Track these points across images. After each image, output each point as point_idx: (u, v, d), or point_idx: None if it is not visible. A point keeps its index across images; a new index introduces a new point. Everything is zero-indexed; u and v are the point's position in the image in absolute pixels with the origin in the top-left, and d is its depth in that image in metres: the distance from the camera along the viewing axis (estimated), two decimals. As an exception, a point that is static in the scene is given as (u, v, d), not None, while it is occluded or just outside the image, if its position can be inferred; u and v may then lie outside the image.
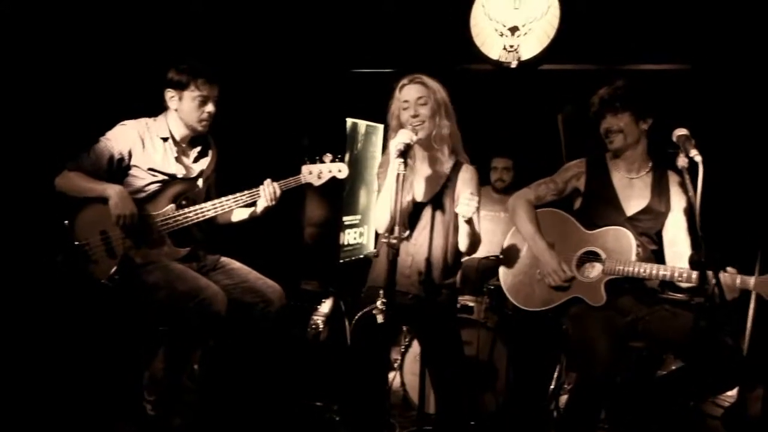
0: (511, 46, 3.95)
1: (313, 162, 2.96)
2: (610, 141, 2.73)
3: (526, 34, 3.92)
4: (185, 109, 2.82)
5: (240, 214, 3.04)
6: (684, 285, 2.54)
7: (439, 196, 2.66)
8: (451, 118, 2.65)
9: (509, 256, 2.96)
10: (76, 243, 2.71)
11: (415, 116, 2.56)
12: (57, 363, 3.01)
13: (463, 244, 2.62)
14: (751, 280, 2.39)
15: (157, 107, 2.89)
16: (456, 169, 2.68)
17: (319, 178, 2.98)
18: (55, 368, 3.00)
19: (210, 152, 3.02)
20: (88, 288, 2.77)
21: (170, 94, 2.82)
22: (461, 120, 2.69)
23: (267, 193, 2.86)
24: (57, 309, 3.01)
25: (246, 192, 2.89)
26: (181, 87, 2.79)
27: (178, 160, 2.88)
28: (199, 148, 2.98)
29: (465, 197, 2.41)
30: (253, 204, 2.92)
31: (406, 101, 2.59)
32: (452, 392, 2.65)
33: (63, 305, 2.99)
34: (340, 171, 2.97)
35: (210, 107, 2.84)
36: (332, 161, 2.97)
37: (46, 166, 2.80)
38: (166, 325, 2.80)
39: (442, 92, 2.63)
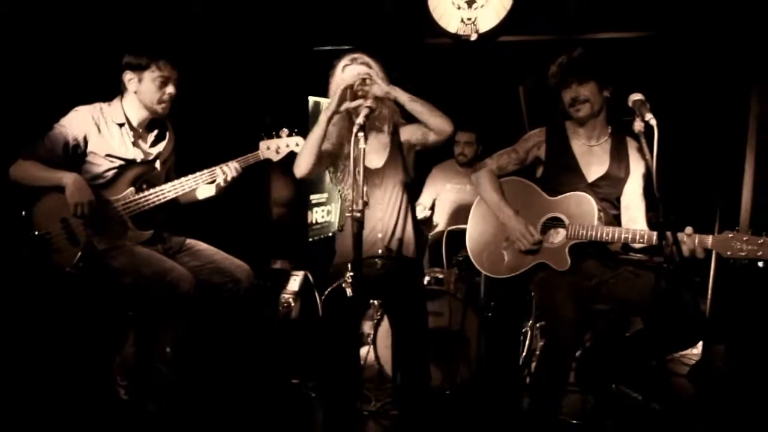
0: (469, 19, 3.96)
1: (270, 137, 2.97)
2: (577, 110, 2.74)
3: (483, 6, 3.92)
4: (145, 90, 2.77)
5: (206, 191, 3.02)
6: (644, 246, 2.60)
7: (390, 161, 2.69)
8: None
9: (475, 225, 2.99)
10: (37, 233, 2.67)
11: (365, 97, 2.52)
12: (27, 352, 2.98)
13: (430, 123, 2.58)
14: (709, 239, 2.44)
15: (111, 92, 2.83)
16: (396, 131, 2.72)
17: (278, 153, 2.99)
18: (25, 358, 2.97)
19: (167, 134, 2.98)
20: (52, 277, 2.73)
21: (129, 77, 2.76)
22: (422, 95, 2.69)
23: (225, 171, 2.88)
24: (23, 300, 2.96)
25: (205, 171, 2.89)
26: (140, 68, 2.75)
27: (135, 144, 2.85)
28: (156, 132, 2.94)
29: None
30: (214, 181, 2.92)
31: (350, 85, 2.54)
32: (415, 363, 2.68)
33: (29, 296, 2.94)
34: (297, 145, 2.98)
35: (170, 88, 2.80)
36: (289, 135, 2.99)
37: (-1, 155, 2.74)
38: (134, 309, 2.79)
39: (380, 70, 2.62)
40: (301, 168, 2.63)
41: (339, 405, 2.68)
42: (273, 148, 2.99)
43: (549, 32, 3.94)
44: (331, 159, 2.73)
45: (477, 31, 3.95)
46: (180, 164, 3.04)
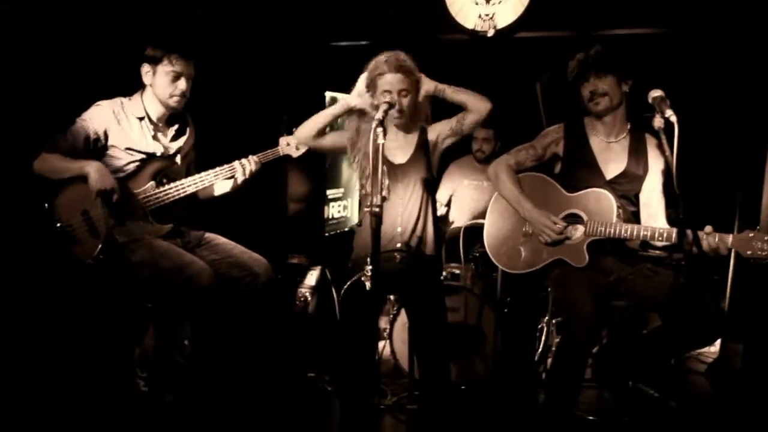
0: (487, 15, 3.95)
1: (290, 134, 2.97)
2: (596, 103, 2.72)
3: (500, 2, 3.91)
4: (158, 84, 2.79)
5: (222, 188, 3.04)
6: (663, 244, 2.59)
7: (414, 158, 2.70)
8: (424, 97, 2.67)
9: (492, 221, 3.00)
10: (59, 225, 2.70)
11: (399, 110, 2.56)
12: (47, 344, 3.02)
13: (470, 105, 2.66)
14: (729, 238, 2.43)
15: (133, 87, 2.86)
16: (424, 130, 2.75)
17: (297, 149, 3.02)
18: (45, 349, 3.01)
19: (188, 130, 3.01)
20: (73, 269, 2.76)
21: (146, 69, 2.79)
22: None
23: (244, 165, 2.91)
24: (43, 292, 3.00)
25: (225, 166, 2.91)
26: (155, 61, 2.77)
27: (155, 138, 2.87)
28: (176, 127, 2.96)
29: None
30: (233, 177, 2.94)
31: (387, 91, 2.56)
32: (435, 358, 2.69)
33: (49, 288, 2.98)
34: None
35: (182, 84, 2.80)
36: None
37: (23, 150, 2.78)
38: (153, 302, 2.82)
39: (415, 67, 2.61)
40: (302, 132, 2.74)
41: (355, 399, 2.70)
42: (293, 144, 3.01)
43: (566, 28, 3.92)
44: (338, 151, 2.82)
45: (494, 27, 3.95)
46: (200, 160, 3.07)
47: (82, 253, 2.71)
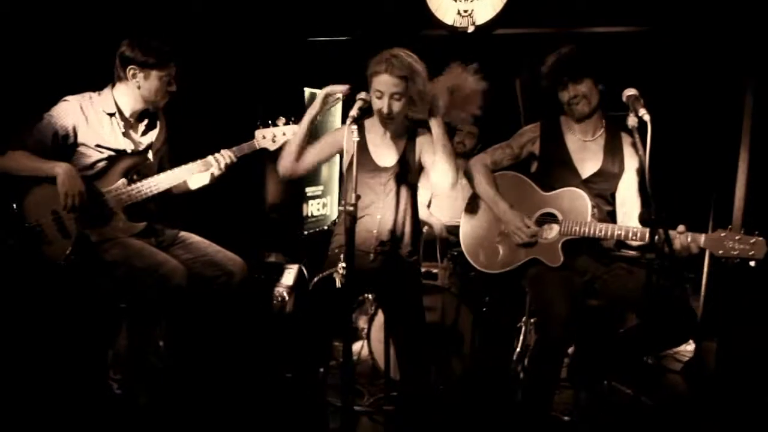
0: (465, 11, 3.94)
1: (266, 126, 2.93)
2: (576, 105, 2.72)
3: (479, -2, 3.91)
4: (151, 87, 2.75)
5: (198, 181, 2.97)
6: (636, 243, 2.59)
7: (400, 161, 2.68)
8: (426, 96, 2.59)
9: (468, 221, 2.99)
10: (27, 225, 2.66)
11: (389, 113, 2.52)
12: (18, 346, 2.97)
13: (437, 170, 2.60)
14: (701, 237, 2.43)
15: (101, 81, 2.80)
16: (413, 135, 2.71)
17: (274, 141, 2.94)
18: (16, 352, 2.96)
19: (158, 124, 2.96)
20: (44, 269, 2.72)
21: (133, 71, 2.72)
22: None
23: (218, 159, 2.86)
24: (14, 293, 2.95)
25: (199, 161, 2.87)
26: (149, 67, 2.71)
27: (125, 134, 2.82)
28: (146, 121, 2.91)
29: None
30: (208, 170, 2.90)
31: (380, 91, 2.51)
32: (415, 359, 2.68)
33: (19, 289, 2.93)
34: (294, 134, 2.94)
35: (173, 86, 2.80)
36: (286, 124, 2.94)
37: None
38: (127, 302, 2.78)
39: (420, 72, 2.53)
40: (282, 166, 2.69)
41: (314, 396, 2.69)
42: (269, 137, 2.94)
43: (545, 25, 3.92)
44: (330, 156, 2.79)
45: (474, 23, 3.94)
46: (174, 155, 3.02)
47: (53, 253, 2.67)
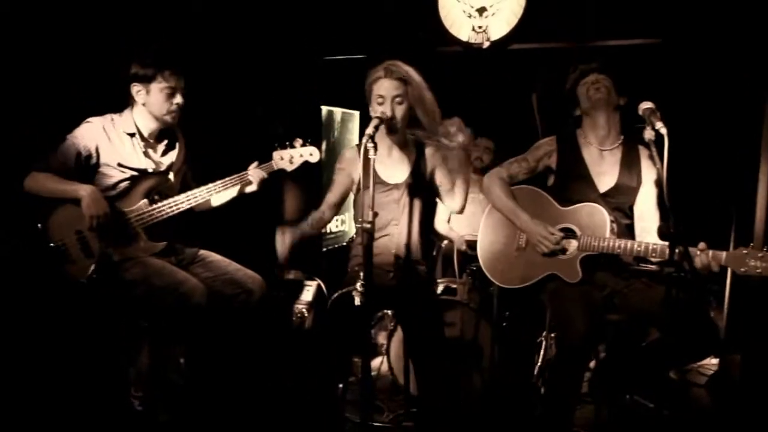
0: (480, 27, 3.96)
1: (284, 148, 2.97)
2: (597, 89, 2.72)
3: (494, 14, 3.93)
4: (154, 102, 2.79)
5: (220, 198, 3.03)
6: (657, 259, 2.57)
7: (409, 179, 2.69)
8: (427, 105, 2.62)
9: (486, 235, 2.99)
10: (52, 244, 2.70)
11: (392, 117, 2.54)
12: (42, 364, 3.01)
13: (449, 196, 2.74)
14: (723, 255, 2.40)
15: (123, 102, 2.85)
16: (421, 150, 2.72)
17: (291, 163, 2.99)
18: (40, 369, 3.00)
19: (177, 144, 3.00)
20: (67, 289, 2.76)
21: (137, 89, 2.78)
22: (438, 103, 2.69)
23: (254, 176, 2.93)
24: (37, 311, 3.00)
25: (220, 182, 2.91)
26: (147, 80, 2.76)
27: (146, 155, 2.87)
28: (165, 141, 2.96)
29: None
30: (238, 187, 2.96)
31: (381, 96, 2.54)
32: (434, 374, 2.66)
33: (43, 307, 2.98)
34: (311, 155, 2.99)
35: (178, 98, 2.82)
36: (303, 145, 2.99)
37: (13, 169, 2.78)
38: (147, 321, 2.81)
39: (418, 81, 2.58)
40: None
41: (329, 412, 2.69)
42: (287, 158, 2.99)
43: (560, 40, 3.92)
44: (348, 192, 2.83)
45: (488, 39, 3.96)
46: (194, 174, 3.06)
47: (76, 272, 2.72)
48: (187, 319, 2.71)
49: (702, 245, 2.41)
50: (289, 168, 3.01)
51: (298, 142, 2.99)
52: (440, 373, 2.68)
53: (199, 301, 2.68)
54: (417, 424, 2.99)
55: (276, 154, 2.99)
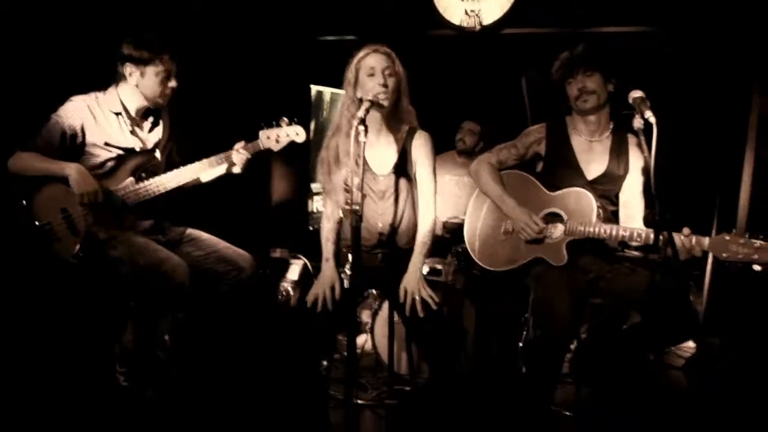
0: (473, 11, 3.95)
1: (270, 127, 2.96)
2: (584, 101, 2.74)
3: (487, -3, 3.93)
4: (149, 84, 2.77)
5: (210, 174, 2.99)
6: (640, 245, 2.61)
7: (397, 166, 2.67)
8: (407, 92, 2.63)
9: (473, 218, 3.01)
10: (38, 223, 2.69)
11: (384, 85, 2.51)
12: (27, 342, 3.01)
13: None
14: (706, 240, 2.45)
15: (105, 80, 2.82)
16: (410, 135, 2.69)
17: (278, 142, 2.97)
18: (25, 347, 3.00)
19: (161, 121, 2.98)
20: (53, 267, 2.76)
21: (130, 69, 2.74)
22: (427, 86, 2.68)
23: (238, 159, 2.90)
24: (24, 290, 2.99)
25: (206, 161, 2.89)
26: (143, 63, 2.73)
27: (132, 133, 2.85)
28: (151, 119, 2.94)
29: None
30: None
31: (372, 68, 2.53)
32: (438, 347, 2.65)
33: (30, 286, 2.96)
34: (297, 134, 2.98)
35: (173, 82, 2.82)
36: (289, 125, 2.97)
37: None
38: (132, 299, 2.81)
39: (401, 66, 2.59)
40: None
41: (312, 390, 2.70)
42: (273, 138, 2.96)
43: (553, 25, 3.93)
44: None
45: (481, 23, 3.95)
46: (181, 154, 3.05)
47: (62, 250, 2.71)
48: (169, 297, 2.72)
49: (686, 230, 2.45)
50: (276, 147, 2.99)
51: (285, 121, 2.97)
52: (445, 352, 2.67)
53: (182, 280, 2.69)
54: (410, 402, 3.01)
55: (262, 134, 2.97)
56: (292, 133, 2.97)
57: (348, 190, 2.64)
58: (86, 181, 2.66)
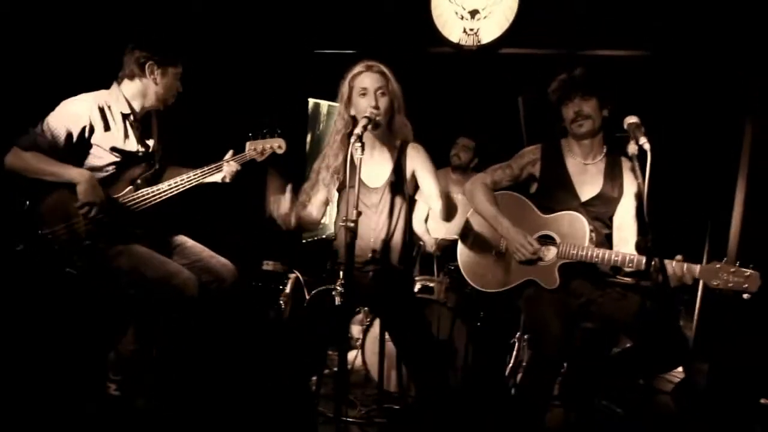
0: (471, 29, 3.98)
1: (256, 138, 3.01)
2: (579, 125, 2.76)
3: (485, 17, 3.95)
4: (167, 84, 2.80)
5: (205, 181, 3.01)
6: (632, 270, 2.62)
7: (391, 179, 2.68)
8: (402, 108, 2.65)
9: (466, 238, 3.02)
10: (41, 232, 2.65)
11: (375, 107, 2.52)
12: (25, 349, 2.98)
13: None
14: (696, 268, 2.46)
15: (106, 80, 2.81)
16: (403, 149, 2.70)
17: (261, 154, 3.04)
18: (23, 354, 2.97)
19: (153, 127, 2.96)
20: (54, 275, 2.73)
21: (152, 68, 2.74)
22: (423, 102, 2.70)
23: (227, 170, 2.94)
24: (20, 296, 2.96)
25: (199, 171, 2.91)
26: (168, 63, 2.77)
27: (137, 137, 2.83)
28: (146, 123, 2.93)
29: None
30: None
31: (364, 88, 2.55)
32: (427, 369, 2.66)
33: (26, 292, 2.93)
34: (279, 147, 3.03)
35: (181, 87, 2.87)
36: (272, 137, 3.03)
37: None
38: (136, 309, 2.79)
39: (396, 83, 2.61)
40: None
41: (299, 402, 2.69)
42: (258, 150, 3.03)
43: (550, 46, 3.96)
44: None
45: (479, 42, 3.98)
46: (179, 161, 3.03)
47: (62, 258, 2.68)
48: (180, 311, 2.70)
49: (679, 257, 2.47)
50: (259, 159, 3.05)
51: (268, 133, 3.04)
52: (434, 374, 2.68)
53: (193, 294, 2.68)
54: (400, 420, 3.00)
55: (249, 145, 3.03)
56: (275, 145, 3.04)
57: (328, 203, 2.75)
58: (95, 191, 2.63)
